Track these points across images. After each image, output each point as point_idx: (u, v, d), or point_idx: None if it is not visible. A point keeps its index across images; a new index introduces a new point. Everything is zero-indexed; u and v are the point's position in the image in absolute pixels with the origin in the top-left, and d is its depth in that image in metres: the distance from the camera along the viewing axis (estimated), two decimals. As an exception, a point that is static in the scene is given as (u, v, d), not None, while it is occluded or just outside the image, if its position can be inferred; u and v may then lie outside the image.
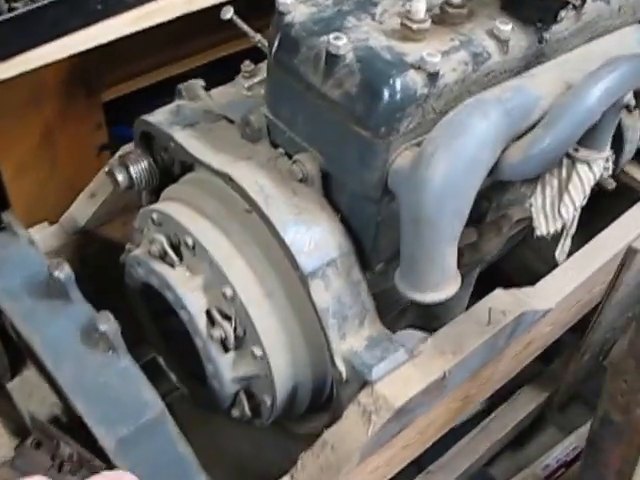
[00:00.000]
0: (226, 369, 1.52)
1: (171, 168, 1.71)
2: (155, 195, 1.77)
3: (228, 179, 1.47)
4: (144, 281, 1.62)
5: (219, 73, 1.94)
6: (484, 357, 1.61)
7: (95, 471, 1.32)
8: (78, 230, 1.92)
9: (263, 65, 1.74)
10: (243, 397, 1.59)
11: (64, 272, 1.39)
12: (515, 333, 1.65)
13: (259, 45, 1.67)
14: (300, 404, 1.62)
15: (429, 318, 1.76)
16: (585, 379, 2.49)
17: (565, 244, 1.50)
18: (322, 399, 1.65)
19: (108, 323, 1.32)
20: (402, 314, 1.83)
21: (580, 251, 1.77)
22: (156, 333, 1.80)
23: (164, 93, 2.36)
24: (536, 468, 2.46)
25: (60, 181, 2.14)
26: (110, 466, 1.32)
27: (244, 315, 1.45)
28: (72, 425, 1.42)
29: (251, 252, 1.47)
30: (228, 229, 1.48)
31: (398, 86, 1.27)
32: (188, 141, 1.56)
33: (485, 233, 1.66)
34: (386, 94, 1.27)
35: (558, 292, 1.72)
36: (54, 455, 1.38)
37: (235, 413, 1.62)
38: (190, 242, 1.48)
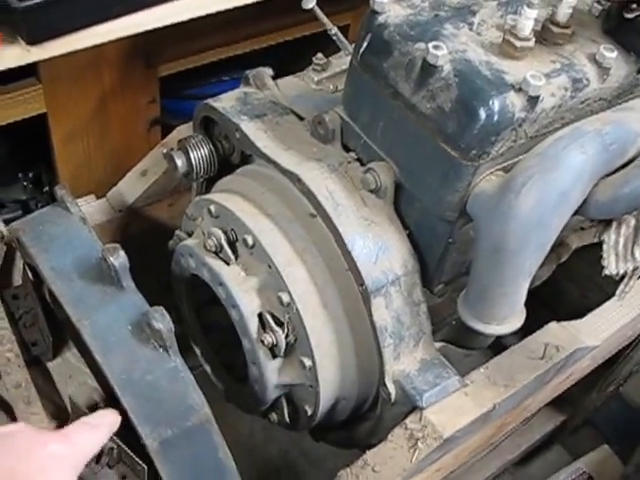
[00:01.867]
0: (271, 375, 1.43)
1: (230, 157, 1.61)
2: (209, 182, 1.67)
3: (296, 180, 1.36)
4: (194, 272, 1.51)
5: (272, 59, 1.86)
6: (532, 390, 1.52)
7: (134, 469, 1.23)
8: (125, 207, 1.82)
9: (334, 60, 1.63)
10: (284, 403, 1.49)
11: (119, 259, 1.28)
12: (564, 368, 1.56)
13: (334, 38, 1.56)
14: (338, 416, 1.53)
15: (466, 338, 1.66)
16: (601, 407, 2.42)
17: (629, 284, 1.40)
18: (361, 413, 1.55)
19: (163, 321, 1.22)
20: (438, 328, 1.73)
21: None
22: (196, 323, 1.71)
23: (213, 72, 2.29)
24: (540, 489, 2.40)
25: (108, 153, 2.06)
26: (148, 464, 1.23)
27: (298, 324, 1.35)
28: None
29: (312, 260, 1.36)
30: (290, 233, 1.38)
31: (496, 108, 1.15)
32: (256, 134, 1.45)
33: (545, 263, 1.56)
34: (483, 115, 1.15)
35: (607, 328, 1.63)
36: (92, 446, 1.29)
37: (273, 417, 1.53)
38: (250, 241, 1.37)
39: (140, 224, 1.85)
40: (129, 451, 1.25)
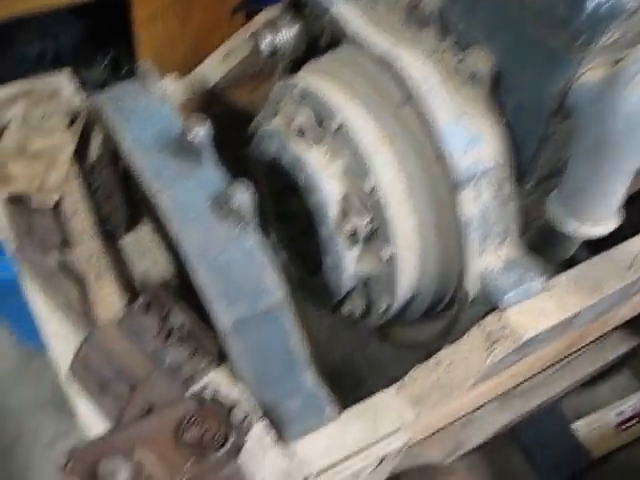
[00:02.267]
0: (349, 264, 1.38)
1: (318, 40, 1.54)
2: (294, 67, 1.60)
3: (389, 65, 1.29)
4: (274, 157, 1.47)
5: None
6: (615, 301, 1.45)
7: (204, 346, 1.21)
8: (206, 89, 1.76)
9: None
10: (358, 295, 1.45)
11: (203, 131, 1.24)
12: (648, 282, 1.48)
13: None
14: (412, 314, 1.48)
15: (552, 243, 1.59)
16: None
17: None
18: (435, 312, 1.51)
19: (245, 194, 1.18)
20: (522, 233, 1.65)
21: None
22: (272, 210, 1.66)
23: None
24: (609, 412, 2.34)
25: (189, 37, 2.01)
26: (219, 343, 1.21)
27: (381, 212, 1.30)
28: (182, 295, 1.29)
29: (401, 147, 1.30)
30: (380, 118, 1.31)
31: (611, -9, 1.07)
32: (349, 16, 1.38)
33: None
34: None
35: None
36: (163, 321, 1.26)
37: (345, 310, 1.49)
38: (336, 124, 1.31)
39: (219, 107, 1.79)
40: (202, 328, 1.22)
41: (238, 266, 1.19)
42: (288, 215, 1.64)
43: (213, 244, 1.19)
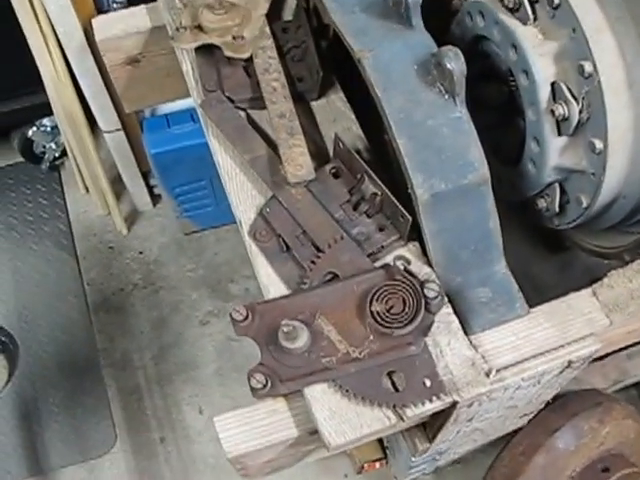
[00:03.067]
0: (553, 153, 1.27)
1: None
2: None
3: None
4: (479, 34, 1.36)
5: None
6: None
7: (394, 221, 1.14)
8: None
9: None
10: (557, 189, 1.34)
11: (413, -8, 1.15)
12: None
13: None
14: (612, 217, 1.36)
15: None
16: None
17: None
18: (631, 222, 1.38)
19: (456, 61, 1.08)
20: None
21: None
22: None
23: None
24: None
25: None
26: (412, 217, 1.12)
27: (597, 99, 1.18)
28: (374, 166, 1.22)
29: (625, 30, 1.17)
30: (604, -2, 1.19)
31: None
32: None
33: None
34: None
35: None
36: (352, 190, 1.19)
37: (541, 204, 1.38)
38: (556, 0, 1.19)
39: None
40: (394, 200, 1.14)
41: (442, 136, 1.10)
42: (483, 103, 1.53)
43: (418, 109, 1.11)
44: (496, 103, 1.44)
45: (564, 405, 1.51)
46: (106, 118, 2.11)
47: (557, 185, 1.34)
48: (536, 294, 2.07)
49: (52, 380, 2.52)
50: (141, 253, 2.75)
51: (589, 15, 1.18)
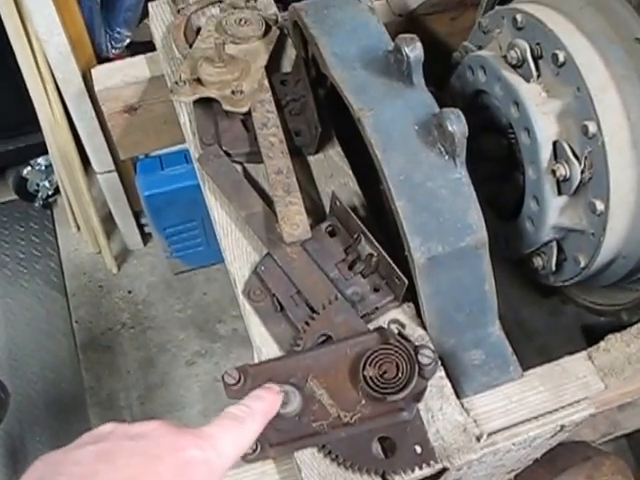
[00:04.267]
0: (552, 213, 1.25)
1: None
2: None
3: (633, -7, 1.14)
4: (480, 88, 1.34)
5: None
6: None
7: (390, 282, 1.11)
8: (406, 12, 1.64)
9: None
10: (554, 248, 1.32)
11: (415, 50, 1.13)
12: None
13: None
14: (610, 276, 1.34)
15: None
16: None
17: None
18: (630, 280, 1.36)
19: (457, 123, 1.06)
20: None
21: None
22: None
23: None
24: None
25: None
26: (408, 279, 1.10)
27: (600, 160, 1.16)
28: (371, 223, 1.20)
29: (630, 89, 1.16)
30: (610, 55, 1.17)
31: None
32: None
33: None
34: None
35: None
36: (348, 249, 1.17)
37: (537, 262, 1.36)
38: (561, 58, 1.17)
39: (417, 33, 1.66)
40: (391, 261, 1.12)
41: (442, 198, 1.08)
42: (481, 154, 1.51)
43: (417, 170, 1.09)
44: (494, 155, 1.42)
45: (552, 460, 1.47)
46: (100, 160, 2.09)
47: (554, 243, 1.32)
48: (525, 339, 2.05)
49: (39, 419, 2.49)
50: (130, 292, 2.73)
51: (594, 74, 1.17)
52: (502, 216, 1.43)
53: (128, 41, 1.93)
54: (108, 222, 2.69)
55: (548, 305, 1.77)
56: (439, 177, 1.09)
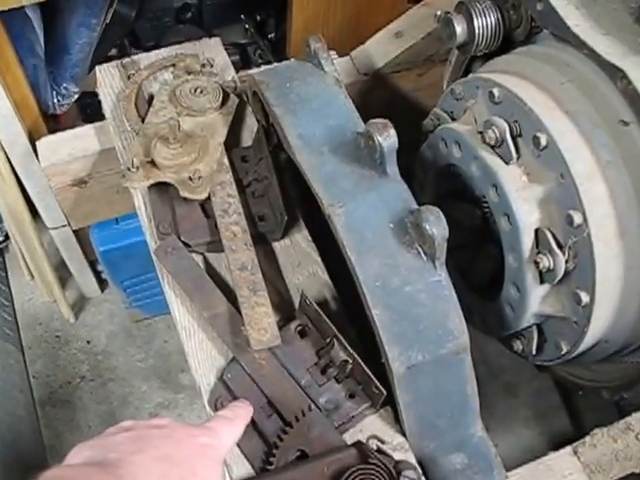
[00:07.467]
0: (534, 301, 1.17)
1: (512, 33, 1.31)
2: (472, 60, 1.39)
3: (619, 76, 1.07)
4: (454, 163, 1.26)
5: None
6: None
7: (366, 389, 1.03)
8: (371, 71, 1.55)
9: None
10: (534, 334, 1.24)
11: (389, 139, 1.05)
12: None
13: None
14: (590, 358, 1.27)
15: None
16: None
17: None
18: (615, 358, 1.29)
19: (437, 225, 0.98)
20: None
21: None
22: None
23: None
24: None
25: (349, 5, 1.79)
26: (386, 388, 1.02)
27: (585, 251, 1.08)
28: (343, 317, 1.11)
29: (617, 177, 1.08)
30: (595, 140, 1.09)
31: None
32: (565, 9, 1.16)
33: None
34: None
35: None
36: (320, 351, 1.08)
37: (517, 346, 1.28)
38: (543, 141, 1.09)
39: (382, 93, 1.58)
40: (367, 370, 1.04)
41: (421, 304, 1.00)
42: (452, 223, 1.44)
43: (394, 276, 1.00)
44: (467, 224, 1.34)
45: None
46: (51, 216, 1.98)
47: (534, 327, 1.24)
48: (491, 377, 1.98)
49: (-3, 481, 2.36)
50: (89, 342, 2.60)
51: (580, 159, 1.09)
52: (475, 289, 1.35)
53: (76, 97, 1.82)
54: (62, 269, 2.56)
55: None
56: (418, 281, 1.00)
